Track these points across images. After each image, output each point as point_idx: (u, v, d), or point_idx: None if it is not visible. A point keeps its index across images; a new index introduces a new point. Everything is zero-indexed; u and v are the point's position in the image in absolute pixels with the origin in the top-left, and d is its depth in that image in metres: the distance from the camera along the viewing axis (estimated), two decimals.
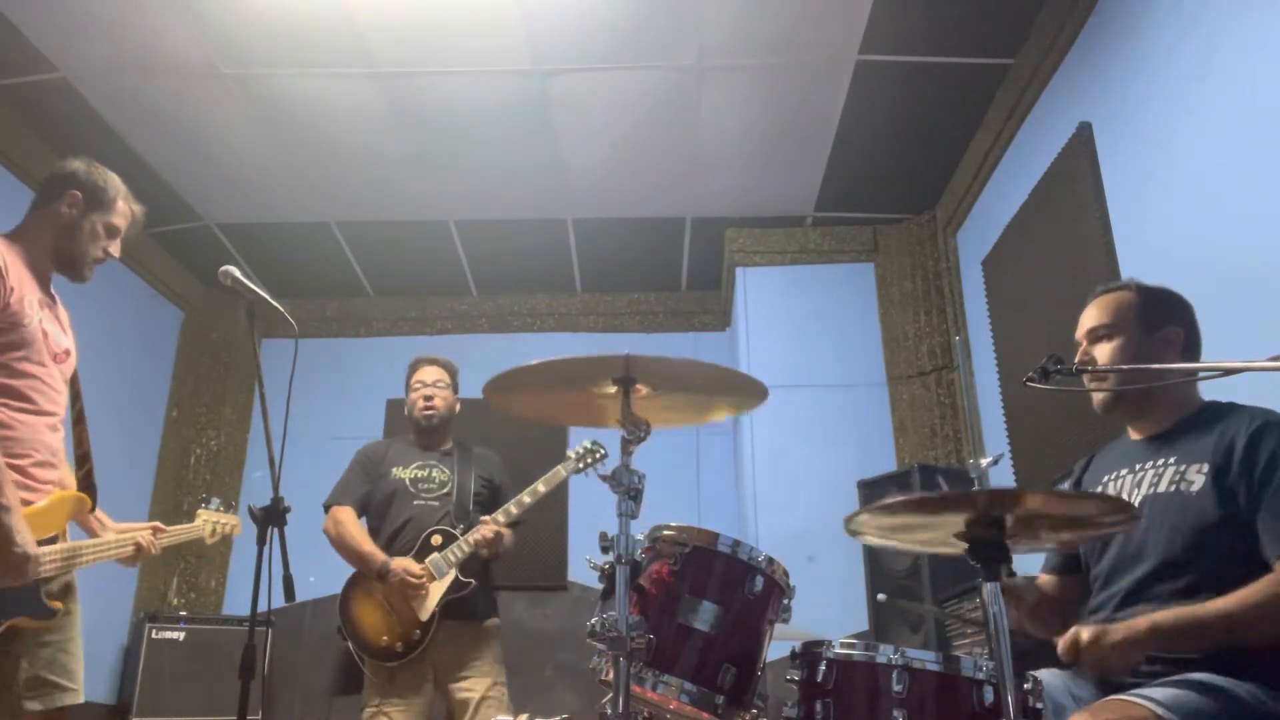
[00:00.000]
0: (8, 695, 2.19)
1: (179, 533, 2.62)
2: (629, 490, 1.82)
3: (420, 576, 3.11)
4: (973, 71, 3.93)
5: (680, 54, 3.84)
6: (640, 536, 1.87)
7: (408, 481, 3.33)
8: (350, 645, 3.14)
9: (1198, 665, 1.67)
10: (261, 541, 2.16)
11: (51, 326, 2.32)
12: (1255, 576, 1.66)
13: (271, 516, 2.19)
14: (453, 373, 3.55)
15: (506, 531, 3.29)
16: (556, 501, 5.32)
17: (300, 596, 2.22)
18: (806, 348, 4.94)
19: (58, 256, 2.36)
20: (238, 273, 2.39)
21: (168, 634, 4.46)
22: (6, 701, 2.18)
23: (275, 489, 2.22)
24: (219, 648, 4.51)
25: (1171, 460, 1.86)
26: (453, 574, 3.17)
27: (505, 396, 2.04)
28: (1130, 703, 1.59)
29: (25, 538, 2.06)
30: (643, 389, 1.94)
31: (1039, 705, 1.55)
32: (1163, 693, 1.59)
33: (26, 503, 2.18)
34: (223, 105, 4.11)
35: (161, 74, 3.91)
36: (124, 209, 2.44)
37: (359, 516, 3.33)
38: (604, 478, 1.85)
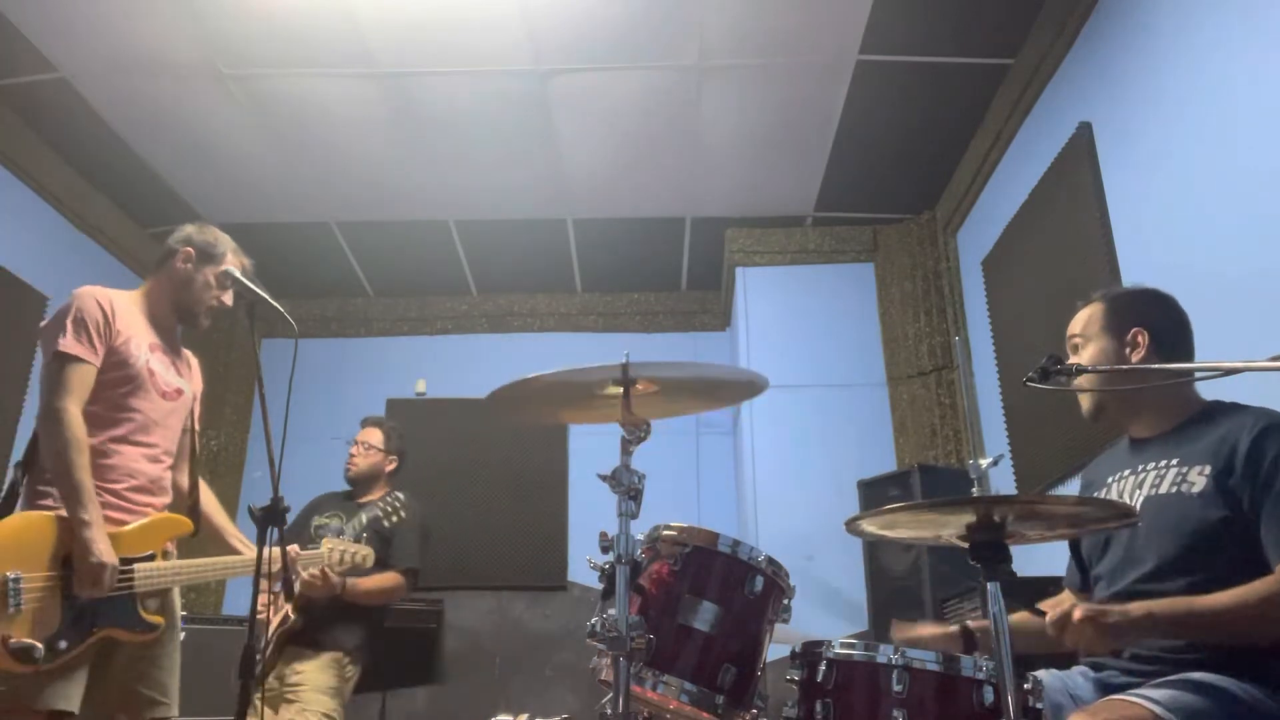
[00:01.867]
0: (101, 703, 2.29)
1: (310, 557, 2.90)
2: (629, 490, 1.82)
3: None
4: (973, 71, 3.93)
5: (680, 54, 3.84)
6: (640, 536, 1.87)
7: (312, 529, 3.55)
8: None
9: (1197, 665, 1.67)
10: (261, 542, 2.16)
11: (161, 367, 2.54)
12: (1256, 579, 1.65)
13: (271, 516, 2.19)
14: (388, 433, 3.75)
15: (359, 579, 3.29)
16: (556, 502, 5.34)
17: None
18: (806, 348, 4.94)
19: (177, 308, 2.61)
20: (238, 273, 2.42)
21: None
22: (101, 709, 2.29)
23: (275, 489, 2.22)
24: (219, 648, 4.50)
25: (1174, 461, 1.86)
26: (284, 609, 3.26)
27: (508, 408, 2.05)
28: (1130, 703, 1.59)
29: (102, 548, 2.22)
30: (644, 386, 1.95)
31: (1039, 705, 1.55)
32: (1162, 693, 1.59)
33: (121, 523, 2.35)
34: (223, 105, 4.11)
35: (161, 74, 3.92)
36: (234, 261, 2.65)
37: None
38: (604, 478, 1.85)
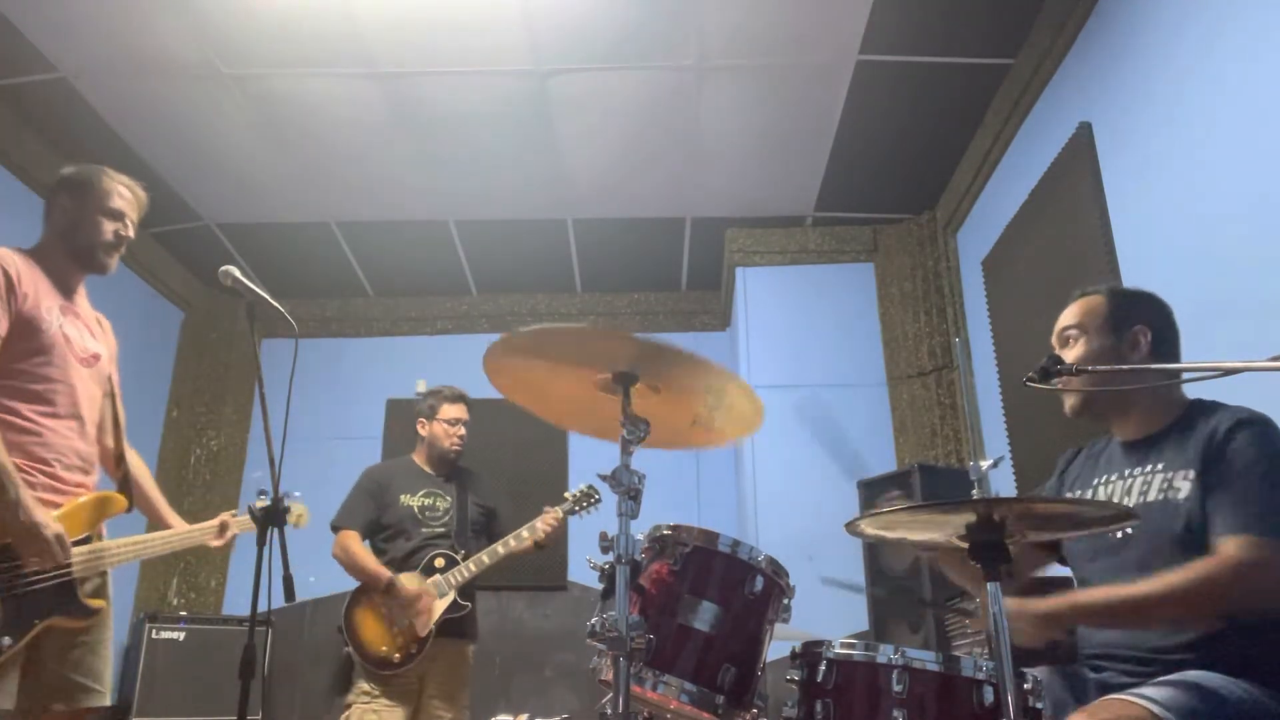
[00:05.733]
0: (35, 694, 2.20)
1: (243, 523, 2.66)
2: (629, 490, 1.82)
3: (420, 602, 3.33)
4: (973, 71, 3.93)
5: (680, 54, 3.84)
6: (640, 536, 1.87)
7: (416, 510, 3.53)
8: (350, 650, 3.32)
9: (1194, 665, 1.67)
10: (261, 542, 2.16)
11: (75, 331, 2.37)
12: None
13: (271, 516, 2.19)
14: (472, 409, 3.73)
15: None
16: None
17: (300, 596, 2.22)
18: (806, 348, 4.94)
19: (75, 257, 2.44)
20: (238, 273, 2.41)
21: (168, 634, 4.46)
22: (35, 699, 2.20)
23: (275, 489, 2.22)
24: (219, 648, 4.51)
25: (1159, 467, 1.86)
26: (452, 595, 3.40)
27: (505, 373, 2.02)
28: (1128, 702, 1.59)
29: (43, 518, 2.12)
30: (642, 391, 1.94)
31: (1039, 705, 1.55)
32: (1160, 692, 1.59)
33: (54, 505, 2.24)
34: (223, 105, 4.11)
35: (161, 74, 3.91)
36: (114, 188, 2.48)
37: (364, 539, 3.51)
38: (604, 478, 1.85)
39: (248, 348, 5.62)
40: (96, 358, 2.43)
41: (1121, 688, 1.69)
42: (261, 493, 2.75)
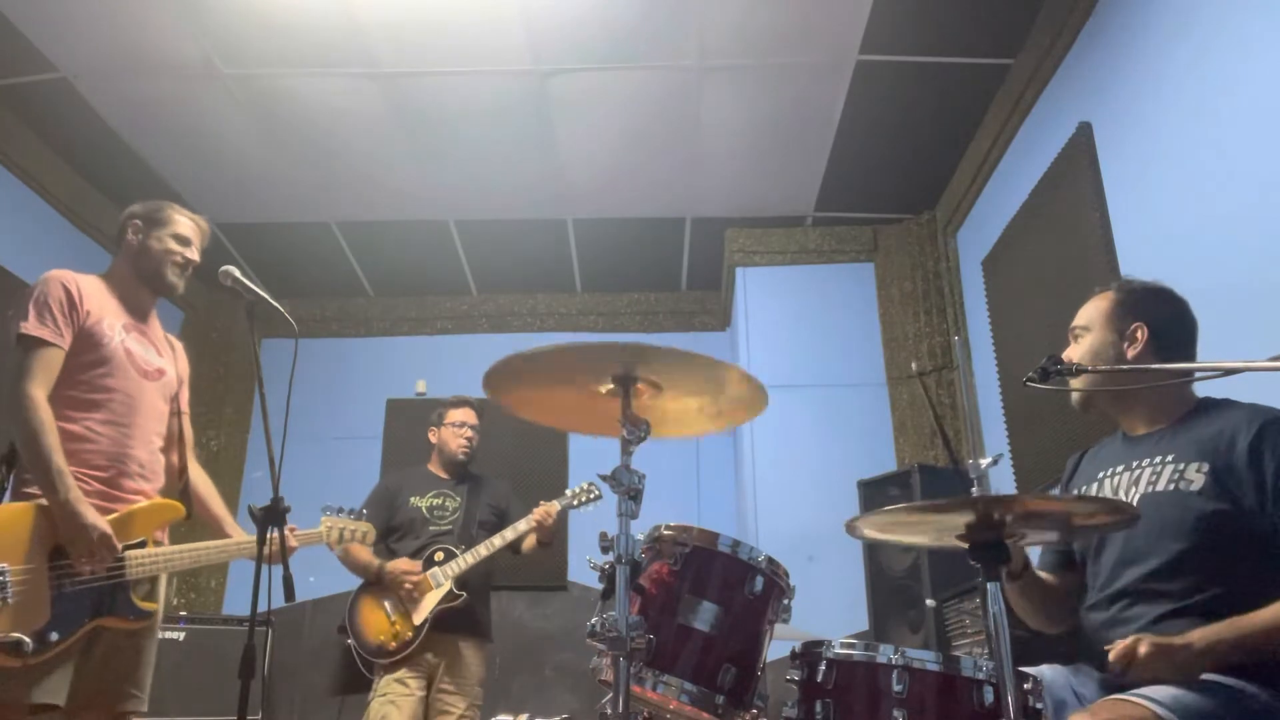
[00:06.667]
0: (78, 695, 2.24)
1: (306, 537, 2.74)
2: (629, 490, 1.82)
3: (413, 572, 3.43)
4: (973, 71, 3.93)
5: (680, 54, 3.84)
6: (640, 536, 1.87)
7: (424, 510, 3.65)
8: (351, 642, 3.42)
9: None
10: (261, 542, 2.16)
11: (138, 347, 2.50)
12: (1258, 576, 1.66)
13: (271, 516, 2.19)
14: (482, 413, 3.85)
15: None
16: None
17: (300, 596, 2.22)
18: (806, 348, 4.94)
19: (144, 279, 2.56)
20: (238, 273, 2.43)
21: (168, 634, 4.45)
22: (76, 700, 2.23)
23: (275, 489, 2.23)
24: (219, 648, 4.50)
25: (1169, 458, 1.85)
26: (448, 585, 3.46)
27: (505, 390, 2.03)
28: (1130, 702, 1.58)
29: (93, 517, 2.21)
30: (643, 389, 1.94)
31: (1039, 705, 1.55)
32: (1163, 692, 1.59)
33: (109, 510, 2.31)
34: (223, 105, 4.11)
35: (161, 74, 3.92)
36: (179, 217, 2.60)
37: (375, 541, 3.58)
38: (604, 477, 1.85)
39: (248, 348, 5.62)
40: (161, 372, 2.55)
41: (1125, 687, 1.68)
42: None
